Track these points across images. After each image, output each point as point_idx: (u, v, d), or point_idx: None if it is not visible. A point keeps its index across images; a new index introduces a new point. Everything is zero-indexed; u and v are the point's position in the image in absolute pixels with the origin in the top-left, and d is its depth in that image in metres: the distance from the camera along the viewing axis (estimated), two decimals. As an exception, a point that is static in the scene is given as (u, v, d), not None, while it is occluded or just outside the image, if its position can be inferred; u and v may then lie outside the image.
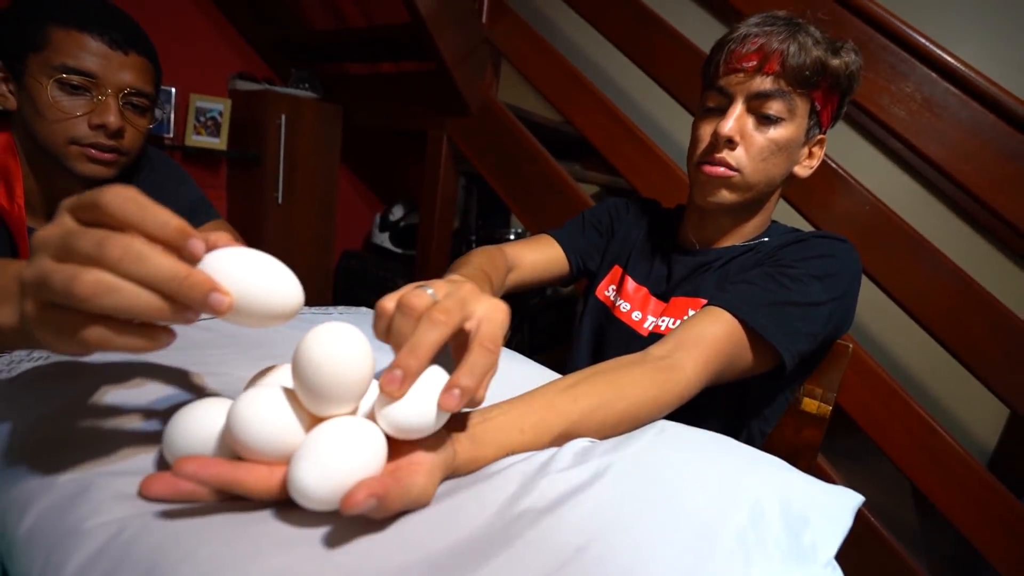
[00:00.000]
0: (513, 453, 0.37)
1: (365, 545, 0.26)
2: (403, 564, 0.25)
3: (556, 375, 0.53)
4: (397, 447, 0.29)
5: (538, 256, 0.78)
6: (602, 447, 0.40)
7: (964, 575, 1.38)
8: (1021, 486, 1.58)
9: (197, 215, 0.88)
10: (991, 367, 0.99)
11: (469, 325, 0.33)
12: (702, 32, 0.72)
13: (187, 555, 0.23)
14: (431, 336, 0.30)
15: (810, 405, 0.73)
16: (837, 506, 0.38)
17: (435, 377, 0.30)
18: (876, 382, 1.07)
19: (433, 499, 0.30)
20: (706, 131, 0.65)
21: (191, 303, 0.25)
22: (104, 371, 0.39)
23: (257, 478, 0.26)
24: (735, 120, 0.61)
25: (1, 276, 0.32)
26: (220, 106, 1.88)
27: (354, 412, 0.30)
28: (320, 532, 0.26)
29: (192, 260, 0.26)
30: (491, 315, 0.33)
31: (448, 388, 0.29)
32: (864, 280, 1.09)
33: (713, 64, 0.64)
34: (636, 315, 0.73)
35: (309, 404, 0.28)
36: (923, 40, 1.00)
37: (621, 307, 0.75)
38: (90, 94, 0.69)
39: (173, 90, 1.80)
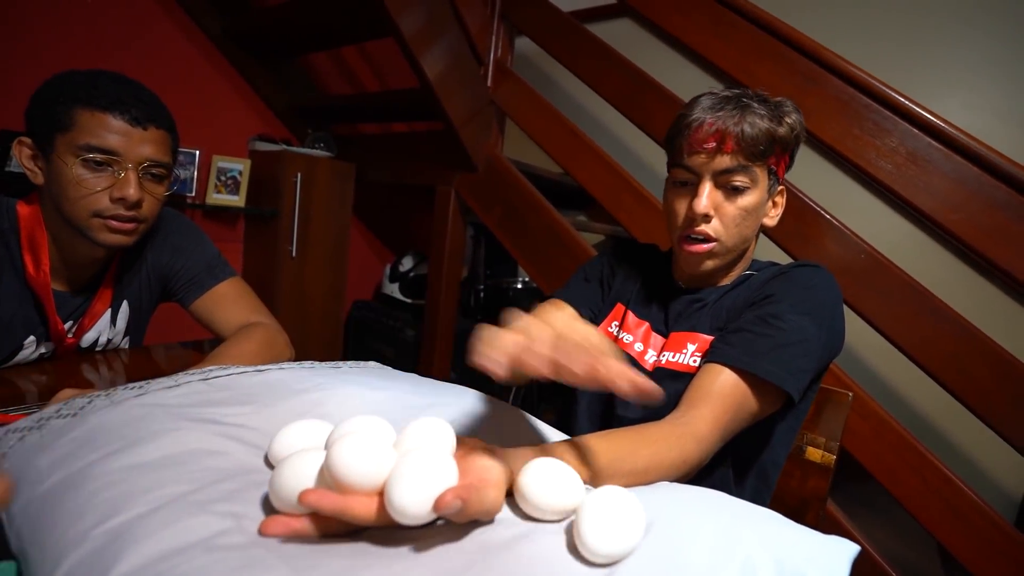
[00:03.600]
0: None
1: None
2: None
3: (563, 434, 0.55)
4: (468, 468, 0.36)
5: (556, 322, 0.80)
6: None
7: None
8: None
9: (213, 274, 0.92)
10: (1000, 414, 0.98)
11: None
12: (697, 87, 0.78)
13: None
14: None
15: (814, 454, 0.73)
16: (832, 557, 0.38)
17: None
18: (885, 430, 1.05)
19: (449, 536, 0.34)
20: (681, 206, 0.70)
21: None
22: (127, 432, 0.41)
23: (361, 505, 0.32)
24: (707, 197, 0.67)
25: None
26: (240, 166, 1.99)
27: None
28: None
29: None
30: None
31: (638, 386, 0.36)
32: (872, 328, 1.10)
33: (675, 145, 0.71)
34: (639, 347, 0.76)
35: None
36: (900, 98, 1.06)
37: (624, 339, 0.78)
38: (112, 169, 0.73)
39: (197, 152, 1.91)
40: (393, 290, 2.33)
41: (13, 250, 0.76)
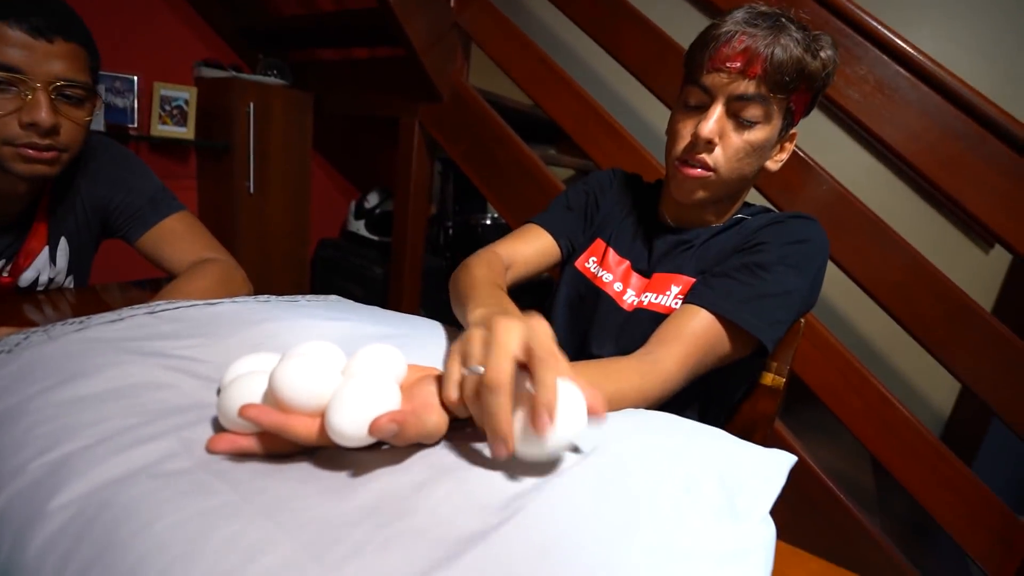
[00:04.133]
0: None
1: (316, 511, 0.28)
2: (344, 513, 0.28)
3: None
4: (414, 393, 0.36)
5: (529, 249, 0.79)
6: None
7: (917, 535, 1.46)
8: (973, 451, 1.67)
9: (158, 209, 0.86)
10: (937, 340, 1.04)
11: (523, 356, 0.36)
12: (674, 17, 0.74)
13: (142, 528, 0.25)
14: (503, 401, 0.34)
15: (765, 378, 0.77)
16: (771, 467, 0.41)
17: None
18: (834, 355, 1.11)
19: (397, 459, 0.34)
20: (686, 128, 0.66)
21: None
22: (67, 365, 0.40)
23: (302, 424, 0.32)
24: (715, 122, 0.63)
25: None
26: (186, 94, 1.84)
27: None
28: (272, 503, 0.28)
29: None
30: (534, 335, 0.36)
31: (536, 414, 0.33)
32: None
33: (697, 60, 0.65)
34: (617, 286, 0.75)
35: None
36: (875, 24, 1.03)
37: (603, 278, 0.77)
38: (16, 89, 0.64)
39: (136, 78, 1.75)
40: (359, 227, 2.27)
41: None
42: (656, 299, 0.70)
